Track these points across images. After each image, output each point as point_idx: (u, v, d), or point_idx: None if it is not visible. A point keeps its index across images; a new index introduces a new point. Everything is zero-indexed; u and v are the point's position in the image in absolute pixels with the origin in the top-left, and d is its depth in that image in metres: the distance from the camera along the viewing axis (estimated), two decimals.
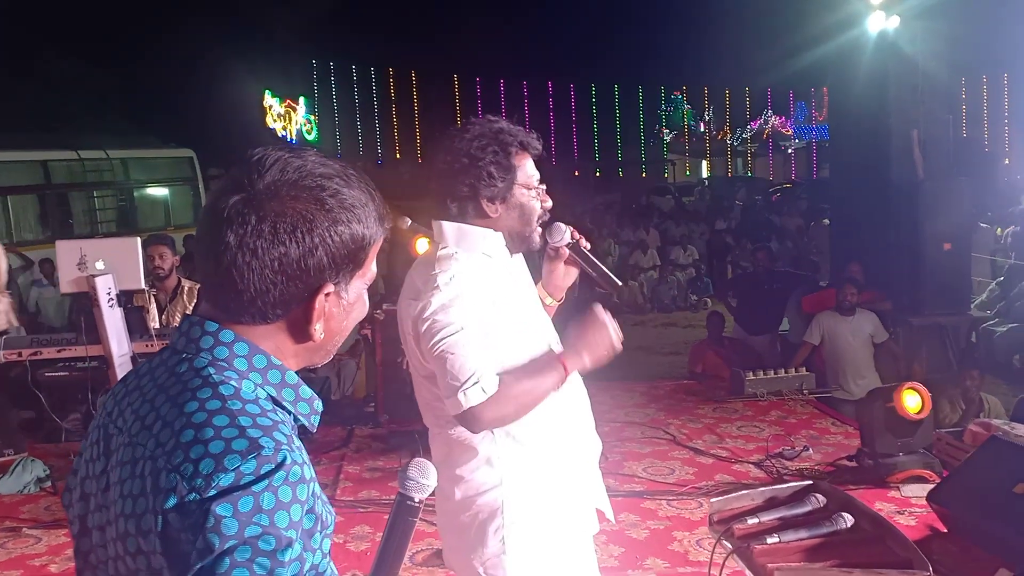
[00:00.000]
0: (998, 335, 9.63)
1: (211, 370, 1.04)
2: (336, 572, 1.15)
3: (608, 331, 2.01)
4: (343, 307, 1.12)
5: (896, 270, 7.42)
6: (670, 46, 31.32)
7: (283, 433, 1.00)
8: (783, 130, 35.42)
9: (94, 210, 15.27)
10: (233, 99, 21.30)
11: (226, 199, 1.04)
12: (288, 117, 26.94)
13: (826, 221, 12.42)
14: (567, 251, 2.18)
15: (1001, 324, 9.78)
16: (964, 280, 7.60)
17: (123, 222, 15.40)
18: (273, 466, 0.95)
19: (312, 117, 28.25)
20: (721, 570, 2.13)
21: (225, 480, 0.93)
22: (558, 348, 2.07)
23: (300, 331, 1.09)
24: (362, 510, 4.50)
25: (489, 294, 1.98)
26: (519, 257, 2.15)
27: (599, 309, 2.04)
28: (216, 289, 1.06)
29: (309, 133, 27.93)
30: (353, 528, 4.25)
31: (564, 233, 2.15)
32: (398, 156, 30.45)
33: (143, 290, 5.19)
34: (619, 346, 2.03)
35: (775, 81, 31.94)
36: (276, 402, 1.07)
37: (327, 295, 1.08)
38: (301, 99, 27.75)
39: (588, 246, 2.19)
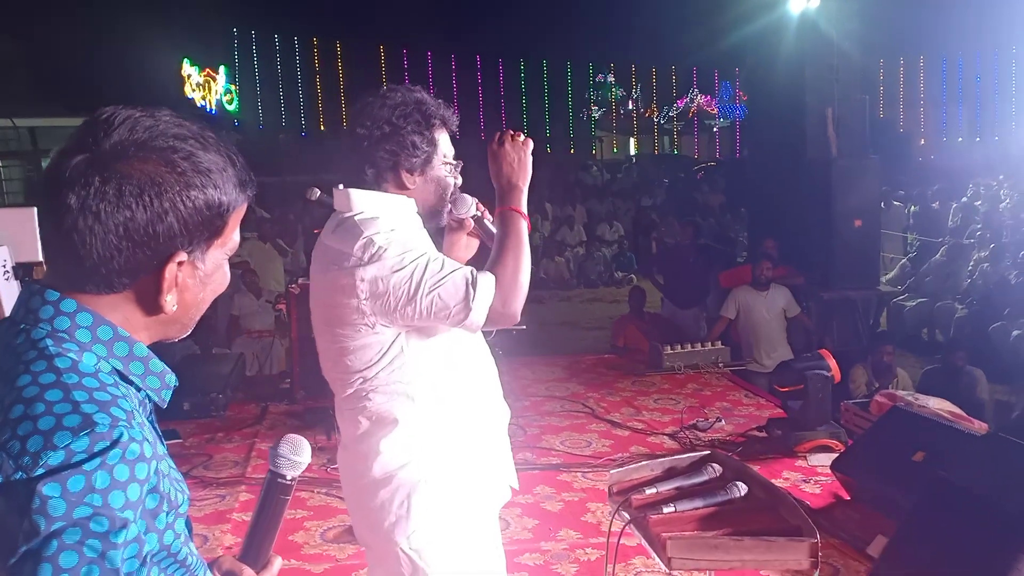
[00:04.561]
0: (908, 309, 10.00)
1: (49, 342, 0.97)
2: (197, 553, 1.10)
3: (510, 152, 2.04)
4: (199, 278, 1.06)
5: (809, 246, 7.59)
6: (598, 24, 31.34)
7: (122, 409, 0.95)
8: (708, 109, 35.88)
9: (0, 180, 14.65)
10: (149, 67, 20.47)
11: (68, 160, 0.98)
12: (208, 87, 26.06)
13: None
14: (472, 223, 2.15)
15: (911, 299, 10.16)
16: (873, 256, 7.82)
17: (31, 192, 14.78)
18: (108, 443, 0.90)
19: (233, 87, 27.38)
20: (619, 539, 2.15)
21: (54, 458, 0.87)
22: None
23: (150, 302, 1.03)
24: None
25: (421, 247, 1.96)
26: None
27: (494, 140, 2.06)
28: (57, 256, 1.00)
29: (230, 103, 27.09)
30: None
31: (470, 205, 2.13)
32: (322, 128, 29.84)
33: (41, 263, 4.99)
34: (528, 148, 2.05)
35: (701, 60, 32.27)
36: (123, 376, 1.01)
37: (180, 264, 1.02)
38: (221, 68, 26.84)
39: (491, 218, 2.16)
